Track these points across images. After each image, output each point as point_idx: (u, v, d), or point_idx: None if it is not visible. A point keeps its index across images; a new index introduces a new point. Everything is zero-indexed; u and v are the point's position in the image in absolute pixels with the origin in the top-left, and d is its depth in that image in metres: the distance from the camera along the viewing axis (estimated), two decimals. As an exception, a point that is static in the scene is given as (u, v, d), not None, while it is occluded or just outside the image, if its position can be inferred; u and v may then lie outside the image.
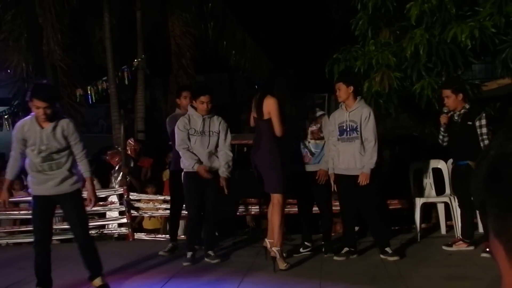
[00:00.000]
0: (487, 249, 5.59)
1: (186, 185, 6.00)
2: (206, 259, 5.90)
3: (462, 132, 5.78)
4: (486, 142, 5.68)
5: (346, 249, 5.86)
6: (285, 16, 15.90)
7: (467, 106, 5.88)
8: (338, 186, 5.92)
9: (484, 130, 5.72)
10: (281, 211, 5.45)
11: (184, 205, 6.38)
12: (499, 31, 6.68)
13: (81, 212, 4.89)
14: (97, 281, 4.88)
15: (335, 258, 5.81)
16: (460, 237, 5.99)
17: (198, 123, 5.93)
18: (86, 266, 4.89)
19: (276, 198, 5.49)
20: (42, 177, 4.73)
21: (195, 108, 5.99)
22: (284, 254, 5.54)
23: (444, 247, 5.93)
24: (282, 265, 5.38)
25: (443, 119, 5.94)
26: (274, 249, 5.37)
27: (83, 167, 4.83)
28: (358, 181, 5.63)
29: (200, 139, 5.90)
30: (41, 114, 4.57)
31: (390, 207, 7.09)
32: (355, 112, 5.78)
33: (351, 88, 5.79)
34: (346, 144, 5.79)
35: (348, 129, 5.78)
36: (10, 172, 4.86)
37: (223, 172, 5.86)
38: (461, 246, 5.87)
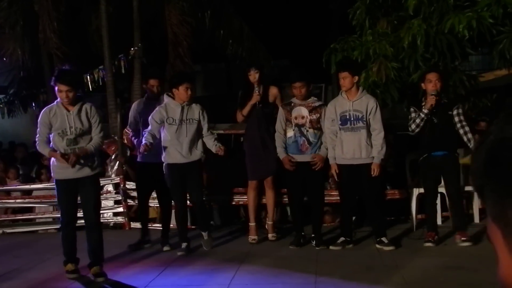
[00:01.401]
0: (463, 238, 5.67)
1: (169, 177, 5.96)
2: (202, 243, 5.92)
3: (441, 121, 5.74)
4: (467, 128, 5.71)
5: (342, 238, 5.87)
6: (282, 6, 15.85)
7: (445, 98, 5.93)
8: (339, 175, 5.87)
9: (462, 117, 5.77)
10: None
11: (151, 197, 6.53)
12: (497, 21, 6.65)
13: (97, 197, 5.24)
14: (96, 269, 5.00)
15: (331, 247, 5.82)
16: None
17: (177, 111, 5.78)
18: (89, 252, 5.05)
19: (272, 179, 6.16)
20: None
21: (172, 97, 5.86)
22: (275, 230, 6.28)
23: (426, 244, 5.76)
24: (270, 235, 6.24)
25: (432, 100, 5.72)
26: (269, 222, 6.28)
27: (92, 141, 5.05)
28: (371, 172, 5.63)
29: (179, 128, 5.78)
30: (64, 97, 4.89)
31: (387, 197, 7.10)
32: (360, 102, 5.74)
33: (356, 78, 5.78)
34: (350, 133, 5.73)
35: (352, 119, 5.72)
36: (45, 148, 5.01)
37: (217, 145, 5.76)
38: (457, 239, 5.81)
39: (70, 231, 5.06)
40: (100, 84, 10.82)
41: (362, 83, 7.49)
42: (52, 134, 5.00)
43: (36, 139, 5.06)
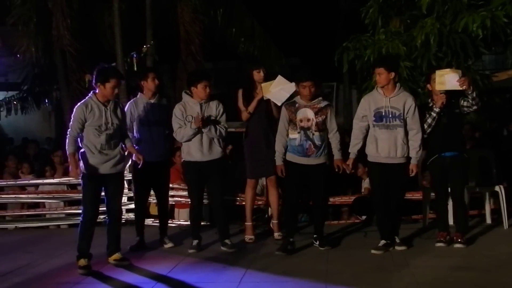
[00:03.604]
0: (459, 240, 5.61)
1: (186, 174, 6.01)
2: (222, 248, 5.85)
3: (450, 121, 5.61)
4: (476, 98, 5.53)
5: (383, 241, 5.63)
6: (293, 5, 15.82)
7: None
8: (372, 174, 5.73)
9: (469, 101, 5.57)
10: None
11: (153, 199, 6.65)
12: (511, 21, 6.61)
13: (122, 191, 5.58)
14: (119, 255, 5.34)
15: (373, 251, 5.52)
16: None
17: (195, 110, 5.78)
18: (111, 243, 5.35)
19: (275, 178, 6.11)
20: (102, 157, 5.12)
21: (190, 95, 5.87)
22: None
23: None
24: (276, 234, 6.22)
25: (442, 98, 5.61)
26: (274, 221, 6.30)
27: (128, 139, 5.45)
28: (408, 172, 5.50)
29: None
30: (114, 94, 5.13)
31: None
32: (397, 99, 5.51)
33: (393, 74, 5.53)
34: (385, 131, 5.50)
35: (389, 116, 5.49)
36: (72, 146, 5.08)
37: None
38: (454, 239, 5.73)
39: (90, 226, 5.18)
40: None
41: (374, 83, 7.48)
42: (85, 130, 5.07)
43: (68, 133, 5.12)
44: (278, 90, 6.02)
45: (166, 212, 6.49)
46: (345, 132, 6.96)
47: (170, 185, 7.55)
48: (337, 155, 5.75)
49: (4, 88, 15.20)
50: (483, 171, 7.00)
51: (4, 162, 8.88)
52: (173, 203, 7.89)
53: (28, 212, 8.11)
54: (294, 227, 5.93)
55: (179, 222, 7.46)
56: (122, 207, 7.58)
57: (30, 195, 8.01)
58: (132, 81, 11.77)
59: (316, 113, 5.66)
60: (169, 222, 6.63)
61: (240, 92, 6.22)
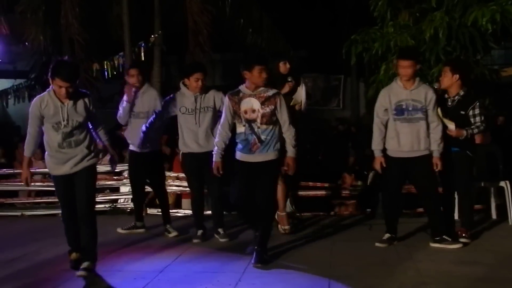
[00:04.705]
0: (464, 235, 5.56)
1: (185, 166, 6.01)
2: (215, 236, 5.93)
3: (454, 120, 5.49)
4: (476, 130, 5.49)
5: (387, 235, 5.60)
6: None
7: (462, 93, 5.53)
8: (390, 168, 5.45)
9: (478, 118, 5.49)
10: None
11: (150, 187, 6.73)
12: (521, 16, 6.57)
13: (91, 190, 4.80)
14: (86, 265, 4.64)
15: (377, 244, 5.50)
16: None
17: (190, 100, 5.81)
18: (82, 248, 4.76)
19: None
20: (61, 156, 4.69)
21: (187, 86, 5.86)
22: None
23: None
24: (281, 227, 6.08)
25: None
26: (280, 213, 6.09)
27: (103, 136, 4.95)
28: (433, 166, 5.35)
29: (194, 117, 5.80)
30: (63, 93, 4.54)
31: (405, 191, 7.08)
32: (418, 92, 5.35)
33: (419, 66, 5.43)
34: (407, 125, 5.34)
35: (410, 109, 5.33)
36: (28, 149, 4.79)
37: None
38: (459, 235, 5.71)
39: (71, 224, 4.83)
40: (120, 71, 10.89)
41: (382, 76, 7.47)
42: (45, 126, 4.69)
43: (27, 132, 4.77)
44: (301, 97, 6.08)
45: (163, 201, 6.51)
46: (352, 124, 6.96)
47: (176, 174, 7.62)
48: (290, 152, 5.03)
49: (12, 76, 15.24)
50: (490, 166, 6.98)
51: (15, 150, 8.91)
52: (179, 192, 7.95)
53: (38, 199, 8.16)
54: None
55: (184, 212, 7.50)
56: (126, 197, 7.68)
57: (38, 183, 8.04)
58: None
59: (262, 103, 4.93)
60: (175, 211, 6.68)
61: None
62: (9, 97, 14.46)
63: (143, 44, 10.74)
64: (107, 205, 7.86)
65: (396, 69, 5.54)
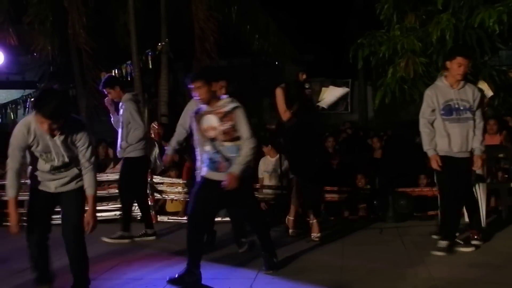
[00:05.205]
0: (475, 237, 5.50)
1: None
2: (239, 248, 5.79)
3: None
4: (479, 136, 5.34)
5: (446, 242, 5.30)
6: (307, 1, 15.80)
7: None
8: (442, 169, 5.22)
9: (481, 124, 5.37)
10: None
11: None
12: (528, 16, 6.55)
13: (79, 215, 4.11)
14: None
15: (435, 253, 5.24)
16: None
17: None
18: (73, 275, 4.29)
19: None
20: (48, 176, 4.08)
21: None
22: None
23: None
24: (290, 231, 6.19)
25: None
26: (290, 217, 6.22)
27: (87, 181, 4.07)
28: (473, 164, 5.26)
29: None
30: (45, 129, 3.86)
31: (415, 194, 7.07)
32: (465, 91, 5.21)
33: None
34: (457, 125, 5.18)
35: (460, 108, 5.18)
36: (12, 188, 3.99)
37: None
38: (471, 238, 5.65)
39: (42, 249, 4.16)
40: (128, 79, 10.95)
41: (389, 79, 7.46)
42: (31, 153, 4.01)
43: (7, 163, 3.99)
44: (329, 95, 6.24)
45: (141, 206, 6.62)
46: (360, 128, 6.96)
47: (184, 181, 7.62)
48: (233, 168, 4.56)
49: (21, 87, 15.35)
50: (500, 167, 6.95)
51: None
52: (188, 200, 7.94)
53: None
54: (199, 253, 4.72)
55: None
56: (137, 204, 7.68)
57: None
58: (146, 79, 11.88)
59: (221, 119, 4.58)
60: (185, 219, 6.67)
61: (280, 91, 6.00)
62: (18, 107, 14.56)
63: (150, 52, 10.80)
64: (117, 213, 7.87)
65: (445, 68, 5.30)
